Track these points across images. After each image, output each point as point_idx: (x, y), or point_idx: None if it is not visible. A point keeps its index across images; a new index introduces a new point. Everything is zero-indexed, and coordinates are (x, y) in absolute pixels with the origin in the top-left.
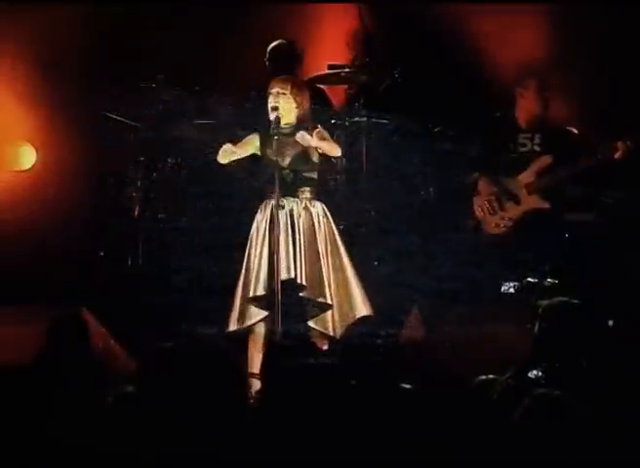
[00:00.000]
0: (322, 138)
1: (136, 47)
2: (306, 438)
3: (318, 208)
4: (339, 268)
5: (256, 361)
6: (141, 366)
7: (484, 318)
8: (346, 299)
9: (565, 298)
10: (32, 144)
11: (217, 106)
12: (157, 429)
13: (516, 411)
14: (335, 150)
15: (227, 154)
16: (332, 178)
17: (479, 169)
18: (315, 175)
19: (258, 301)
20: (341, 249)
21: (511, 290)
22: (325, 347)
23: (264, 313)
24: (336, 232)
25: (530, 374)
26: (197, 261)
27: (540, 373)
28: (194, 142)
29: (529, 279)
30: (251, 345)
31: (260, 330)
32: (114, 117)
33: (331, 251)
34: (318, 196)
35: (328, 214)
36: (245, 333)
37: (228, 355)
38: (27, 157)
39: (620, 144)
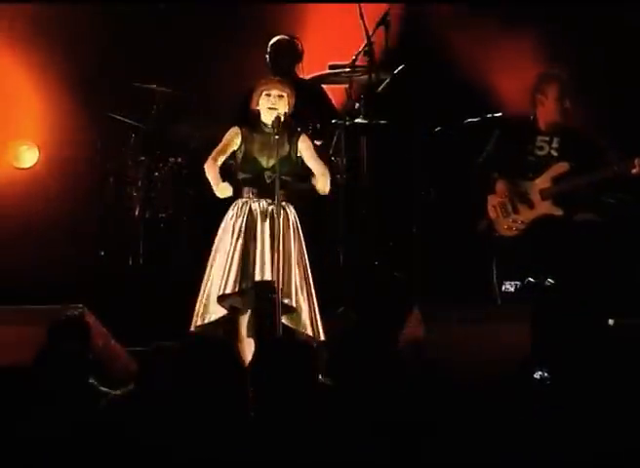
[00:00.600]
0: (308, 148)
1: (137, 46)
2: (301, 437)
3: (291, 210)
4: (302, 276)
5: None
6: (141, 365)
7: (485, 317)
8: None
9: (564, 298)
10: (35, 143)
11: (217, 105)
12: (158, 427)
13: (518, 411)
14: (325, 187)
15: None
16: (332, 178)
17: (495, 169)
18: (290, 179)
19: (224, 300)
20: (305, 257)
21: (511, 289)
22: (315, 345)
23: (224, 311)
24: (302, 239)
25: (535, 375)
26: (197, 261)
27: (544, 374)
28: (195, 142)
29: (530, 279)
30: (243, 345)
31: (243, 330)
32: (116, 117)
33: (299, 256)
34: (290, 199)
35: (297, 217)
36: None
37: (230, 353)
38: (29, 155)
39: (637, 161)
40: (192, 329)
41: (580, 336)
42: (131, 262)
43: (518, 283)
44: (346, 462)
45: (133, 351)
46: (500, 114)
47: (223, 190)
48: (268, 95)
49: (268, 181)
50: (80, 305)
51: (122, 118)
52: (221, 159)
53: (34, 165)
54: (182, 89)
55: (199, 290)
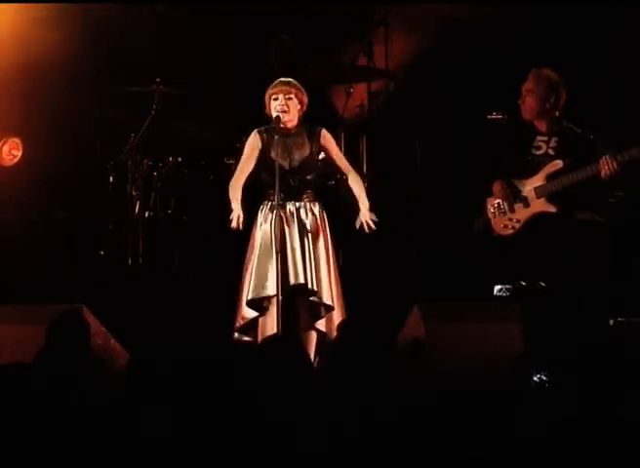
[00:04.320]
0: (330, 144)
1: (136, 45)
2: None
3: (317, 208)
4: (333, 272)
5: None
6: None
7: (485, 316)
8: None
9: (557, 298)
10: (25, 140)
11: (217, 105)
12: (156, 427)
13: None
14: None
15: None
16: (332, 178)
17: (492, 170)
18: (316, 178)
19: (257, 303)
20: (332, 254)
21: (503, 294)
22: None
23: (256, 313)
24: (330, 239)
25: (534, 378)
26: (197, 261)
27: (543, 377)
28: (195, 141)
29: (522, 282)
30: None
31: (269, 332)
32: (115, 116)
33: (330, 254)
34: (317, 197)
35: (325, 213)
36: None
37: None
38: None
39: (603, 161)
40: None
41: (575, 337)
42: (130, 262)
43: (509, 287)
44: (342, 461)
45: (132, 350)
46: (500, 116)
47: (236, 213)
48: (276, 99)
49: (292, 184)
50: (79, 305)
51: (121, 117)
52: (247, 173)
53: (28, 164)
54: (182, 88)
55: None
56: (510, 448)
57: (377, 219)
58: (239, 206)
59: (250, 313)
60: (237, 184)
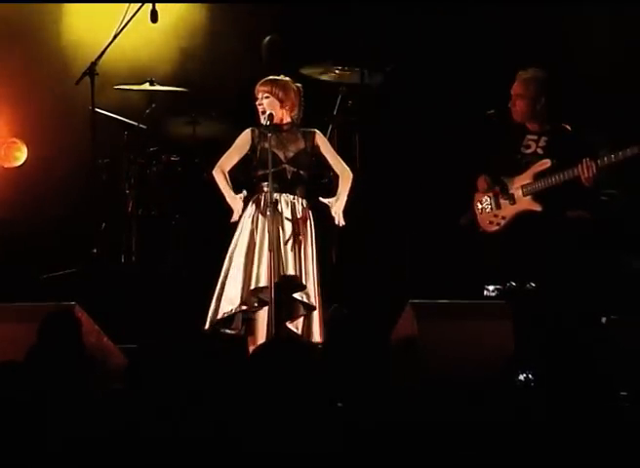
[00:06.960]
0: (324, 143)
1: (133, 44)
2: (293, 437)
3: (306, 205)
4: (317, 272)
5: None
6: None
7: (480, 313)
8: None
9: (543, 297)
10: (24, 141)
11: (212, 103)
12: (149, 424)
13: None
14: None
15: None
16: (326, 177)
17: (482, 167)
18: (309, 175)
19: (255, 294)
20: (316, 254)
21: (493, 294)
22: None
23: (236, 304)
24: (315, 235)
25: (519, 377)
26: (190, 259)
27: (529, 376)
28: (189, 140)
29: (512, 283)
30: (250, 343)
31: (261, 325)
32: (108, 114)
33: (314, 253)
34: (308, 195)
35: (311, 213)
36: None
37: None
38: (18, 154)
39: (581, 167)
40: (208, 326)
41: (563, 336)
42: (123, 260)
43: (499, 287)
44: (337, 461)
45: (125, 348)
46: (492, 111)
47: (235, 202)
48: (257, 97)
49: (288, 176)
50: (72, 302)
51: (115, 116)
52: (229, 165)
53: (24, 163)
54: (177, 86)
55: (214, 286)
56: (499, 446)
57: (343, 224)
58: (238, 200)
59: (227, 308)
60: (224, 169)
